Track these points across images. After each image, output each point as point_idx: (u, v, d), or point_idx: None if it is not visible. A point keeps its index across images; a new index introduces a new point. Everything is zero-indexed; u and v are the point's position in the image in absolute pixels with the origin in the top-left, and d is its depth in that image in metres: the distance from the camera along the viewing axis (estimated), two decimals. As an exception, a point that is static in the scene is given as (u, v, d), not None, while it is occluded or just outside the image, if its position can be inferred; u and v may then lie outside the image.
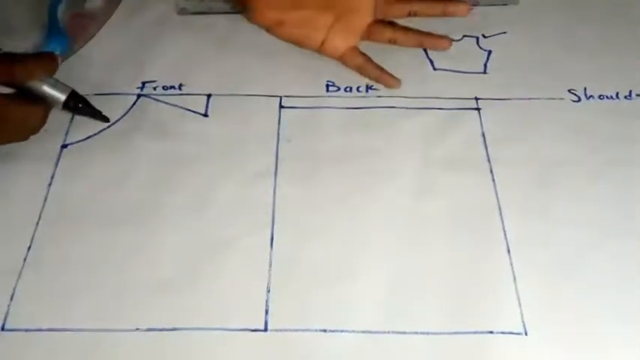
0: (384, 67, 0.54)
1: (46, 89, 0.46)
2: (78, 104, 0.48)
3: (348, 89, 0.54)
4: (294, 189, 0.48)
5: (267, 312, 0.42)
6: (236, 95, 0.53)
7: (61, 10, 0.52)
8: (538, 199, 0.47)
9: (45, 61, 0.45)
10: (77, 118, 0.51)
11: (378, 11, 0.55)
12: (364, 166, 0.49)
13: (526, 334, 0.41)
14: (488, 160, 0.49)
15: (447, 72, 0.55)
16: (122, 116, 0.52)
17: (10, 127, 0.46)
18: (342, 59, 0.54)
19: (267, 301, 0.42)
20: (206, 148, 0.50)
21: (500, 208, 0.46)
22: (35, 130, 0.47)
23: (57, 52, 0.46)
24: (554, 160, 0.49)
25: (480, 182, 0.48)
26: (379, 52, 0.55)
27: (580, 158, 0.49)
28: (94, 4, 0.58)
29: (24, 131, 0.47)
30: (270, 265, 0.44)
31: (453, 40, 0.55)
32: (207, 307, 0.42)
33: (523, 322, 0.41)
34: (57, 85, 0.47)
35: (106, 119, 0.50)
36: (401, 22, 0.56)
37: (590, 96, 0.53)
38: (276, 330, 0.41)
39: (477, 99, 0.53)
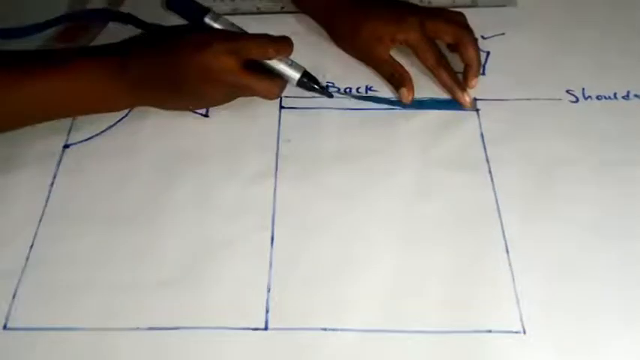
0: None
1: (284, 67, 0.51)
2: (310, 82, 0.52)
3: (348, 89, 0.54)
4: (294, 189, 0.48)
5: (267, 311, 0.42)
6: (236, 95, 0.54)
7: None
8: (536, 198, 0.47)
9: (286, 44, 0.50)
10: (78, 118, 0.51)
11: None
12: (364, 166, 0.49)
13: (524, 332, 0.41)
14: (487, 161, 0.49)
15: (447, 72, 0.55)
16: (123, 116, 0.52)
17: (243, 94, 0.51)
18: None
19: (267, 300, 0.42)
20: (206, 148, 0.50)
21: (498, 208, 0.47)
22: (270, 99, 0.51)
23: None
24: (552, 160, 0.49)
25: (478, 182, 0.48)
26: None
27: (578, 158, 0.49)
28: (96, 5, 0.59)
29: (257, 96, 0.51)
30: (271, 265, 0.44)
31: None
32: (208, 306, 0.42)
33: (521, 320, 0.41)
34: (293, 64, 0.51)
35: (330, 95, 0.53)
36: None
37: (588, 96, 0.54)
38: (277, 329, 0.41)
39: (476, 99, 0.53)
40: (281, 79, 0.51)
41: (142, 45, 0.49)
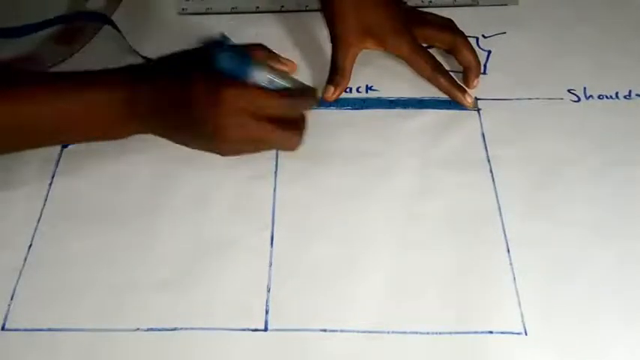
0: (384, 66, 0.54)
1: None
2: None
3: (348, 89, 0.54)
4: (294, 189, 0.48)
5: (267, 312, 0.42)
6: (236, 95, 0.53)
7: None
8: (538, 198, 0.47)
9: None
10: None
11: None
12: (364, 166, 0.49)
13: (526, 334, 0.41)
14: (488, 160, 0.49)
15: (447, 72, 0.55)
16: (122, 116, 0.52)
17: (266, 148, 0.49)
18: None
19: (267, 301, 0.42)
20: (206, 148, 0.50)
21: (500, 208, 0.46)
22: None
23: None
24: (553, 160, 0.49)
25: (479, 182, 0.48)
26: (379, 52, 0.55)
27: (580, 158, 0.49)
28: (95, 5, 0.59)
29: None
30: (270, 265, 0.44)
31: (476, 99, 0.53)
32: (208, 307, 0.42)
33: (523, 321, 0.41)
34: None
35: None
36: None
37: (590, 96, 0.53)
38: (276, 330, 0.41)
39: (477, 99, 0.53)
40: (302, 131, 0.48)
41: (157, 83, 0.46)
